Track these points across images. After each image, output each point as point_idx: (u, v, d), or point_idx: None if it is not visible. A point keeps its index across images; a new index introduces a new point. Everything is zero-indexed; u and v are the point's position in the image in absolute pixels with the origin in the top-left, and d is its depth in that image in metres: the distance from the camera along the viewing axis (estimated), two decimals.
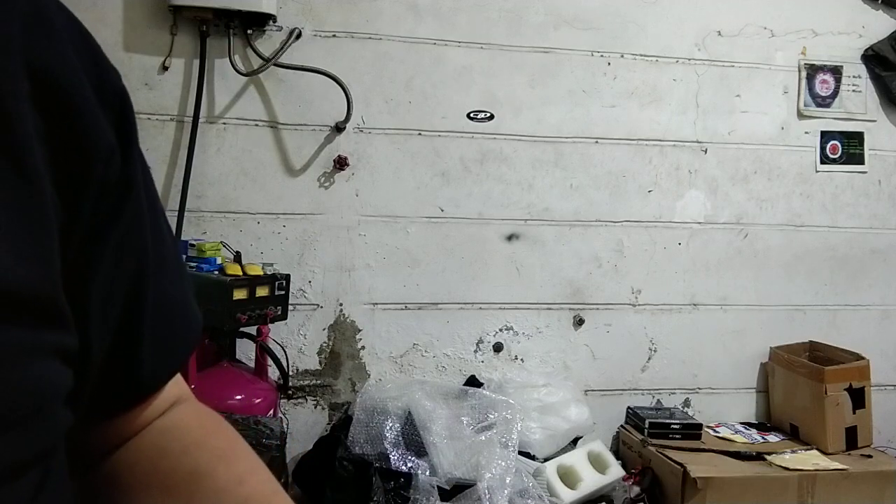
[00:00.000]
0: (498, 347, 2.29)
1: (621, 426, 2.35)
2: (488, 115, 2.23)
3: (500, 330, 2.29)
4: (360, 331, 2.21)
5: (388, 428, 1.89)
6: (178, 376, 0.54)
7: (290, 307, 2.02)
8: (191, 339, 0.52)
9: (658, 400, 2.42)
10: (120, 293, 0.44)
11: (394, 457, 1.84)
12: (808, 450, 2.23)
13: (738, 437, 2.30)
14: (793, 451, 2.21)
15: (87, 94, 0.40)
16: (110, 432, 0.50)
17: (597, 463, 2.11)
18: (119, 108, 0.43)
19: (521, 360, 2.32)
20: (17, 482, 0.36)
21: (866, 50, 2.44)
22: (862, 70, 2.46)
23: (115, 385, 0.47)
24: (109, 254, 0.43)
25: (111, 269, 0.43)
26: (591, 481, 2.04)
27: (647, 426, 2.21)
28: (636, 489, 2.09)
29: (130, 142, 0.44)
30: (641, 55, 2.31)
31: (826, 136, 2.45)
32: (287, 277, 1.97)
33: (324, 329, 2.19)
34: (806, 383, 2.28)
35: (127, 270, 0.45)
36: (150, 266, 0.47)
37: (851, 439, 2.25)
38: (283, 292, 1.95)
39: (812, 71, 2.42)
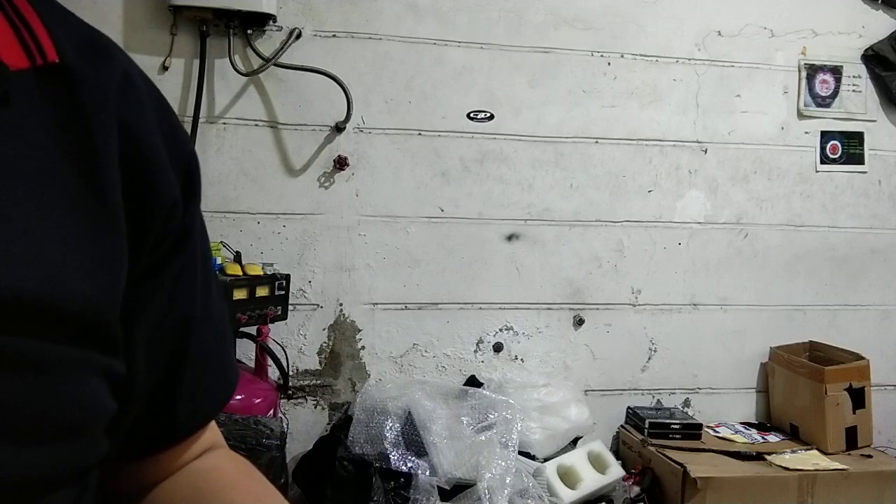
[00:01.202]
0: (498, 347, 2.29)
1: (621, 426, 2.35)
2: (488, 115, 2.23)
3: (500, 330, 2.29)
4: (360, 331, 2.21)
5: (388, 428, 1.89)
6: (213, 424, 0.57)
7: (290, 307, 2.02)
8: (226, 391, 0.55)
9: (658, 400, 2.42)
10: (167, 338, 0.48)
11: (394, 457, 1.84)
12: (808, 450, 2.23)
13: (738, 437, 2.30)
14: (793, 451, 2.21)
15: (160, 152, 0.46)
16: (143, 472, 0.52)
17: (597, 463, 2.11)
18: (186, 166, 0.50)
19: (521, 360, 2.32)
20: (54, 495, 0.38)
21: (866, 50, 2.44)
22: (862, 70, 2.46)
23: (152, 427, 0.50)
24: (160, 297, 0.46)
25: (160, 312, 0.46)
26: (591, 481, 2.04)
27: (647, 426, 2.21)
28: (636, 489, 2.09)
29: (193, 198, 0.50)
30: (641, 55, 2.31)
31: (826, 136, 2.45)
32: (287, 277, 1.97)
33: (324, 329, 2.19)
34: (806, 383, 2.28)
35: (175, 317, 0.48)
36: (197, 317, 0.50)
37: (851, 439, 2.25)
38: (283, 292, 1.95)
39: (812, 71, 2.42)
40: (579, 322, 2.34)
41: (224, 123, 2.08)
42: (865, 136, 2.48)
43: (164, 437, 0.51)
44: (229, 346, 0.57)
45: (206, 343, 0.52)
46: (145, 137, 0.44)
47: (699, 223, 2.39)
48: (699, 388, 2.45)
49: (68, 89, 0.41)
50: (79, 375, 0.38)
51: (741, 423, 2.43)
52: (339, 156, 2.13)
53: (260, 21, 2.03)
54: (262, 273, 1.92)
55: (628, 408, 2.35)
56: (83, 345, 0.38)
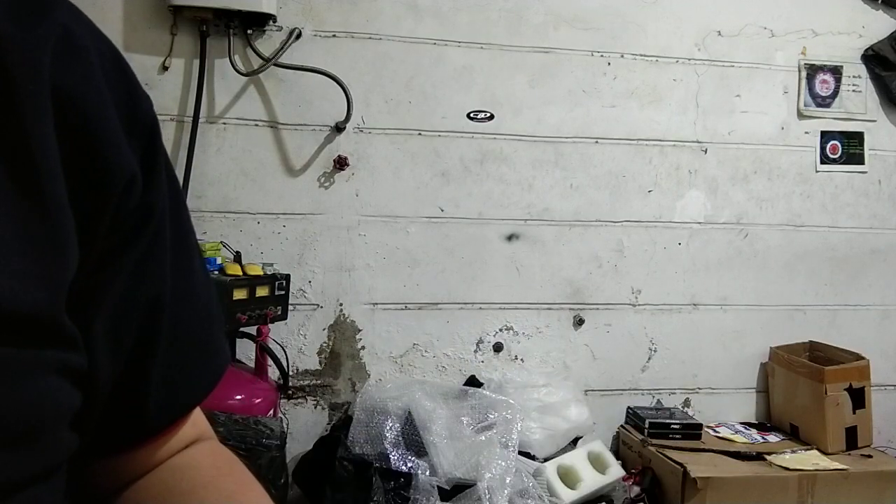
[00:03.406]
0: (498, 347, 2.29)
1: (621, 426, 2.35)
2: (488, 115, 2.23)
3: (500, 330, 2.29)
4: (360, 331, 2.21)
5: (388, 428, 1.89)
6: (199, 415, 0.53)
7: (290, 307, 2.02)
8: (208, 380, 0.51)
9: (658, 400, 2.42)
10: (132, 326, 0.44)
11: (394, 457, 1.84)
12: (808, 450, 2.23)
13: (738, 437, 2.30)
14: (793, 451, 2.21)
15: (111, 122, 0.40)
16: (119, 469, 0.49)
17: (597, 463, 2.11)
18: (147, 136, 0.44)
19: (521, 360, 2.32)
20: (21, 495, 0.36)
21: (866, 50, 2.44)
22: (862, 70, 2.46)
23: (121, 421, 0.46)
24: (121, 281, 0.42)
25: (123, 298, 0.42)
26: (591, 481, 2.04)
27: (647, 426, 2.20)
28: (636, 489, 2.09)
29: (155, 170, 0.44)
30: (641, 55, 2.31)
31: (826, 136, 2.45)
32: (287, 277, 1.97)
33: (324, 329, 2.19)
34: (806, 383, 2.28)
35: (141, 303, 0.44)
36: (169, 299, 0.46)
37: (851, 439, 2.25)
38: (283, 292, 1.95)
39: (812, 71, 2.42)
40: (579, 322, 2.34)
41: (224, 123, 2.08)
42: (865, 136, 2.48)
43: (135, 433, 0.47)
44: (216, 332, 0.51)
45: (184, 330, 0.47)
46: (89, 105, 0.39)
47: (699, 223, 2.39)
48: (699, 388, 2.45)
49: None
50: (28, 376, 0.35)
51: (741, 423, 2.43)
52: (339, 156, 2.13)
53: (260, 21, 2.03)
54: (262, 273, 1.92)
55: (628, 408, 2.35)
56: (27, 344, 0.35)
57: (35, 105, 0.37)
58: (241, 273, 1.87)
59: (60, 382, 0.38)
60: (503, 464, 1.87)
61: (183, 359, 0.48)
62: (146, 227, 0.43)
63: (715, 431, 2.33)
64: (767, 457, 2.14)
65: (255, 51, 2.04)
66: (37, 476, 0.37)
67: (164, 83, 2.02)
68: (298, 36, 2.08)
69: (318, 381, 2.20)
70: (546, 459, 2.05)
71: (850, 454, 2.22)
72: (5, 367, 0.34)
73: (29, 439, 0.36)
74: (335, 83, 2.07)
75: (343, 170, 2.14)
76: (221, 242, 2.03)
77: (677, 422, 2.23)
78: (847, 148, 2.47)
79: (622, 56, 2.30)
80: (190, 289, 0.48)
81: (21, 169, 0.36)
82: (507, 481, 1.84)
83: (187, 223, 0.49)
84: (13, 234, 0.35)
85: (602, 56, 2.29)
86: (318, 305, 2.18)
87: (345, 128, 2.12)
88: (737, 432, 2.34)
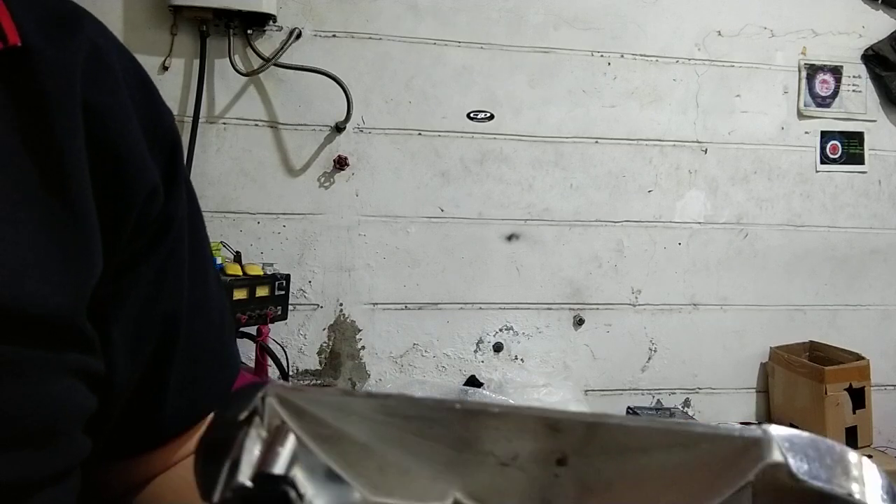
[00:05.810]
0: (498, 347, 2.29)
1: None
2: (488, 115, 2.23)
3: (500, 330, 2.29)
4: (360, 331, 2.21)
5: None
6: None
7: (290, 307, 2.02)
8: (222, 387, 0.52)
9: (658, 400, 2.42)
10: (150, 334, 0.45)
11: None
12: None
13: None
14: None
15: (135, 134, 0.42)
16: (132, 470, 0.50)
17: None
18: (169, 149, 0.45)
19: (521, 360, 2.32)
20: (36, 497, 0.37)
21: (866, 50, 2.44)
22: (862, 70, 2.46)
23: (137, 426, 0.47)
24: (140, 289, 0.43)
25: (141, 307, 0.44)
26: None
27: None
28: None
29: (176, 182, 0.46)
30: (641, 55, 2.31)
31: (826, 136, 2.45)
32: (287, 277, 1.97)
33: (324, 329, 2.19)
34: (806, 383, 2.28)
35: (159, 312, 0.45)
36: (186, 308, 0.47)
37: (851, 439, 2.25)
38: (283, 292, 1.95)
39: (812, 71, 2.42)
40: (579, 322, 2.34)
41: (224, 123, 2.08)
42: (865, 136, 2.48)
43: (151, 437, 0.48)
44: (228, 340, 0.53)
45: (199, 338, 0.49)
46: (116, 119, 0.41)
47: (699, 223, 2.39)
48: (699, 388, 2.45)
49: (29, 74, 0.38)
50: (47, 377, 0.36)
51: (741, 423, 2.42)
52: (339, 156, 2.13)
53: (260, 21, 2.03)
54: (262, 273, 1.92)
55: (628, 408, 2.35)
56: (49, 346, 0.36)
57: (67, 118, 0.38)
58: (241, 273, 1.87)
59: (78, 385, 0.39)
60: None
61: (198, 367, 0.49)
62: (166, 236, 0.45)
63: None
64: None
65: (255, 51, 2.04)
66: (50, 478, 0.38)
67: (164, 83, 2.02)
68: (298, 36, 2.08)
69: (318, 381, 2.20)
70: None
71: None
72: (27, 367, 0.35)
73: (45, 440, 0.37)
74: (335, 83, 2.07)
75: (343, 170, 2.14)
76: (221, 242, 2.03)
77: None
78: (847, 148, 2.47)
79: (622, 56, 2.30)
80: (204, 298, 0.50)
81: (53, 178, 0.38)
82: None
83: (203, 233, 0.51)
84: (44, 239, 0.37)
85: (602, 56, 2.29)
86: (318, 305, 2.18)
87: (345, 128, 2.13)
88: None
